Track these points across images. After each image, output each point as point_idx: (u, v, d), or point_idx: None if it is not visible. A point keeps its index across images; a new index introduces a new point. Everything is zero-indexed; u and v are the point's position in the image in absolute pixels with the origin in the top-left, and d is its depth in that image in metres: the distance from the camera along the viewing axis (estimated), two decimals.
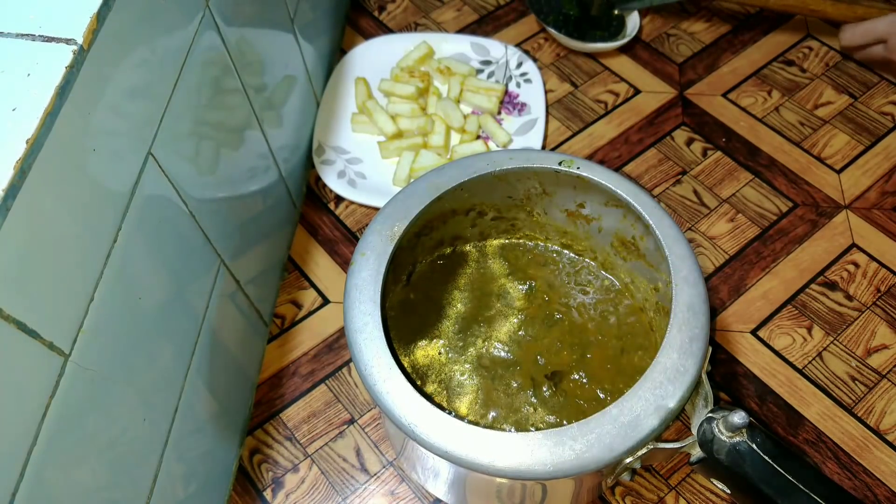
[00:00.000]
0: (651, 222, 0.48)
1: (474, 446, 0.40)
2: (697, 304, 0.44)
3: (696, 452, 0.44)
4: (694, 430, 0.44)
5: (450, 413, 0.42)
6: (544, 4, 0.84)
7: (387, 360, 0.43)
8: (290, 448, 0.60)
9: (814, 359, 0.63)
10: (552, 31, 0.83)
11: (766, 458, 0.41)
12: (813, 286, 0.66)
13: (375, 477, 0.58)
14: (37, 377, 0.32)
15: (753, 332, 0.64)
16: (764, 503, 0.41)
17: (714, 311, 0.65)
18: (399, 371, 0.42)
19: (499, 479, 0.44)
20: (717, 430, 0.42)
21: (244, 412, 0.60)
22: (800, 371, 0.62)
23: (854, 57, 0.81)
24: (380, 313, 0.45)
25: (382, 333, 0.44)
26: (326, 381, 0.63)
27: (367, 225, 0.53)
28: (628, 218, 0.52)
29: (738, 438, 0.41)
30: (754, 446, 0.41)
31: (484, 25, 0.88)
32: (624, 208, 0.51)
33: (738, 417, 0.40)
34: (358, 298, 0.45)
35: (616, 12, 0.84)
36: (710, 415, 0.43)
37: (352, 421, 0.61)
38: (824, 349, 0.63)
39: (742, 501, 0.49)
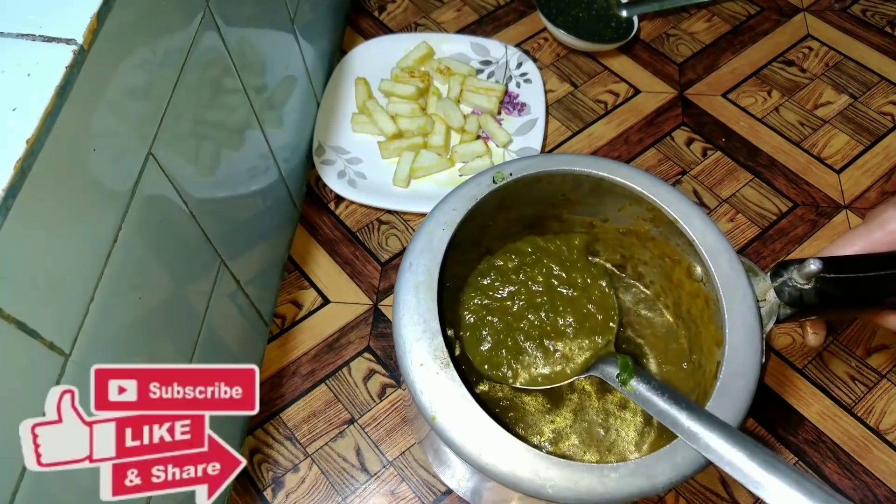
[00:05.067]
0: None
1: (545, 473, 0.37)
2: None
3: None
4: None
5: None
6: (553, 6, 0.84)
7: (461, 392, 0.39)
8: (291, 448, 0.60)
9: (814, 359, 0.63)
10: (554, 29, 0.83)
11: (851, 274, 0.41)
12: None
13: (375, 477, 0.58)
14: (37, 377, 0.32)
15: None
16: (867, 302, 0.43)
17: None
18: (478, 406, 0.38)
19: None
20: (794, 283, 0.42)
21: None
22: (799, 371, 0.62)
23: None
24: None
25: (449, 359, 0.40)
26: (326, 381, 0.63)
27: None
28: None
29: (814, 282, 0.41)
30: (833, 275, 0.41)
31: (484, 25, 0.88)
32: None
33: (814, 264, 0.40)
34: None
35: (624, 14, 0.84)
36: (779, 283, 0.43)
37: (352, 421, 0.61)
38: (824, 349, 0.63)
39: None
